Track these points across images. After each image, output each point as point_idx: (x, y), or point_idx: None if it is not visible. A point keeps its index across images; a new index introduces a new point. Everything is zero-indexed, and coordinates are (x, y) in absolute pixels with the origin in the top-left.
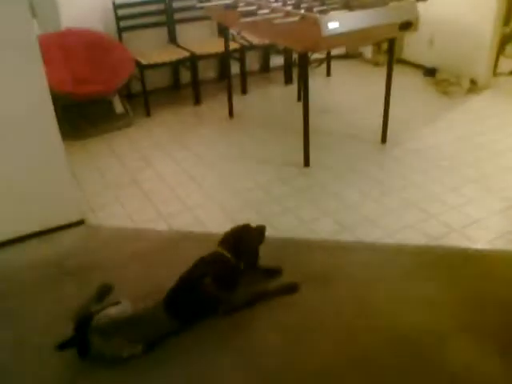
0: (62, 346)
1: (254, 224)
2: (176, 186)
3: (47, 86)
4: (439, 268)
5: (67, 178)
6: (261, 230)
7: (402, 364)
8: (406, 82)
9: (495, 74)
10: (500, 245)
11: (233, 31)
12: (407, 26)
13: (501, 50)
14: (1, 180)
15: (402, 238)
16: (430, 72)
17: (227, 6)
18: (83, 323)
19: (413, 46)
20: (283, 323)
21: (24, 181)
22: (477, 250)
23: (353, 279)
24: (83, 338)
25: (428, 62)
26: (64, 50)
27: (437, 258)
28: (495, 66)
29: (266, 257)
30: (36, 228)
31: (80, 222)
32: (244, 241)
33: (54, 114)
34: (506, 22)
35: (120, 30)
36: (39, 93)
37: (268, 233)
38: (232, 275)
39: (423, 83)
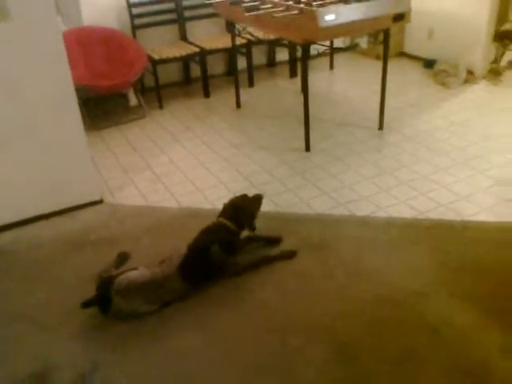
0: (86, 305)
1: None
2: (186, 170)
3: (71, 80)
4: (426, 238)
5: (88, 163)
6: (257, 197)
7: (386, 318)
8: (407, 73)
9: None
10: (483, 217)
11: (239, 26)
12: (400, 17)
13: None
14: (33, 165)
15: (392, 213)
16: (430, 64)
17: (233, 2)
18: (105, 284)
19: (413, 39)
20: (282, 285)
21: (51, 165)
22: (461, 221)
23: (345, 248)
24: (105, 298)
25: (428, 54)
26: (83, 46)
27: (424, 229)
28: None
29: (267, 229)
30: (62, 206)
31: (99, 202)
32: (242, 209)
33: (77, 105)
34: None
35: (134, 28)
36: (65, 86)
37: (270, 208)
38: (235, 241)
39: (423, 75)
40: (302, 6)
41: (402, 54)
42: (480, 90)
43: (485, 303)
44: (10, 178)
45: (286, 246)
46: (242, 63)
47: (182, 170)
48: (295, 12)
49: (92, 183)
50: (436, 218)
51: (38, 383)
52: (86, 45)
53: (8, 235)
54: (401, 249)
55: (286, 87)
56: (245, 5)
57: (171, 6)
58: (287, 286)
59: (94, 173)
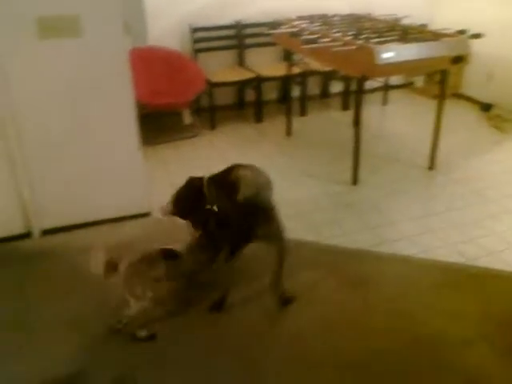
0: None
1: None
2: None
3: (133, 96)
4: (471, 285)
5: (141, 176)
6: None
7: (420, 362)
8: (461, 115)
9: None
10: None
11: (297, 57)
12: (459, 59)
13: None
14: (87, 173)
15: (438, 256)
16: (487, 107)
17: (293, 34)
18: None
19: (471, 81)
20: (322, 317)
21: (106, 175)
22: (510, 272)
23: (385, 286)
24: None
25: (485, 97)
26: (145, 64)
27: (469, 276)
28: None
29: (307, 260)
30: (111, 215)
31: (147, 214)
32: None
33: (136, 120)
34: None
35: (195, 51)
36: (126, 101)
37: (313, 238)
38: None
39: (478, 118)
40: (360, 41)
41: (458, 95)
42: None
43: None
44: (65, 184)
45: (324, 278)
46: (295, 92)
47: None
48: (353, 47)
49: (143, 196)
50: (484, 265)
51: None
52: (148, 63)
53: (57, 238)
54: (444, 293)
55: (337, 119)
56: (304, 37)
57: (232, 32)
58: (327, 318)
59: (146, 186)
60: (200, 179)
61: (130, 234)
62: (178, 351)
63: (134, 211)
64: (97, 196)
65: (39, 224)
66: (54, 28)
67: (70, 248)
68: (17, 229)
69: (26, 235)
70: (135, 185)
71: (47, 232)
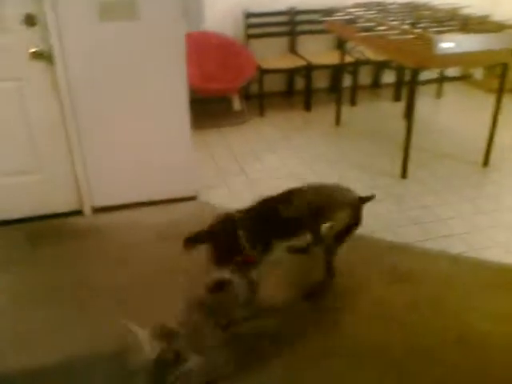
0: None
1: None
2: (278, 179)
3: (187, 80)
4: None
5: (191, 161)
6: None
7: (463, 365)
8: None
9: None
10: None
11: (349, 45)
12: None
13: None
14: (142, 156)
15: (486, 255)
16: None
17: (348, 21)
18: None
19: None
20: (366, 312)
21: (158, 159)
22: None
23: (431, 283)
24: None
25: None
26: (199, 48)
27: None
28: None
29: (352, 253)
30: (161, 197)
31: (193, 198)
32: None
33: (188, 104)
34: None
35: (247, 37)
36: (180, 85)
37: (358, 231)
38: None
39: None
40: (418, 30)
41: None
42: None
43: None
44: (117, 165)
45: (369, 272)
46: (346, 81)
47: (274, 178)
48: (411, 36)
49: (191, 180)
50: None
51: (114, 361)
52: (202, 48)
53: (107, 216)
54: (492, 294)
55: (388, 110)
56: (360, 25)
57: (285, 19)
58: (370, 313)
59: (194, 170)
60: (231, 218)
61: (175, 217)
62: None
63: (182, 194)
64: (146, 177)
65: (90, 202)
66: (114, 10)
67: (119, 226)
68: (69, 206)
69: (78, 212)
70: (184, 168)
71: (98, 210)
